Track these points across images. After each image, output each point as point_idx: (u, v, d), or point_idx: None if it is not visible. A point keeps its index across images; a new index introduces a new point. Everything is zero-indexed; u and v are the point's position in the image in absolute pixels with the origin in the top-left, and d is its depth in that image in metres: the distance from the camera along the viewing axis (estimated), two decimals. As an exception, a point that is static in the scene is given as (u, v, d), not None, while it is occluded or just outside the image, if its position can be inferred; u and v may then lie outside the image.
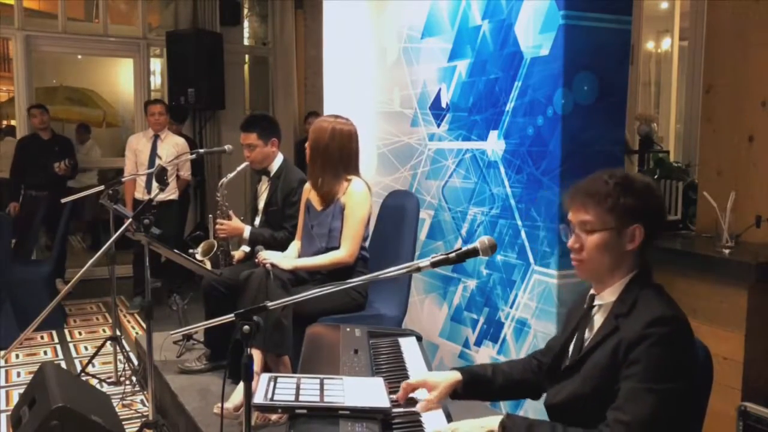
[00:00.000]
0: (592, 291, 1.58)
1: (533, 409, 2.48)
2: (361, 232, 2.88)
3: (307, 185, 3.06)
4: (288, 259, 2.91)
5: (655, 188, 1.53)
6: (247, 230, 3.26)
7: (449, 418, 1.59)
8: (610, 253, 1.49)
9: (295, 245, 3.10)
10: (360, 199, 2.87)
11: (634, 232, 1.47)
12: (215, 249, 3.30)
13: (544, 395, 1.65)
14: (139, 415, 3.41)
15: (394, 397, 1.62)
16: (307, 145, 2.95)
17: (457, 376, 1.68)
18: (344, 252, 2.84)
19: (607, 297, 1.52)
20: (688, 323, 1.42)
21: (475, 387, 1.70)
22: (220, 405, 2.57)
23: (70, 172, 5.69)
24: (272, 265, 2.77)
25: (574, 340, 1.58)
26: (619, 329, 1.44)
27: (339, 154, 2.87)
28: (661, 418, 1.33)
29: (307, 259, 2.89)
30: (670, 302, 1.45)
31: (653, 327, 1.36)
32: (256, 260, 2.87)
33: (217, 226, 3.29)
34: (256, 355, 2.63)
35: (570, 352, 1.58)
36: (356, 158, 2.97)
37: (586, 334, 1.56)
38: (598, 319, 1.54)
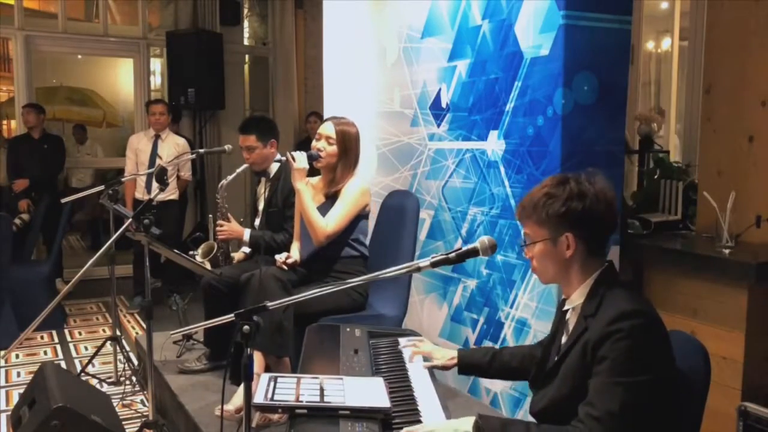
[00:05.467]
0: (563, 296, 1.59)
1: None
2: (346, 219, 2.86)
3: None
4: (304, 180, 2.90)
5: (584, 192, 1.46)
6: (246, 233, 3.26)
7: (448, 415, 1.61)
8: (553, 262, 1.50)
9: (295, 245, 3.10)
10: (356, 188, 2.90)
11: (566, 240, 1.47)
12: (215, 250, 3.30)
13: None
14: (139, 415, 3.41)
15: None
16: (333, 141, 2.92)
17: (454, 360, 1.90)
18: (326, 227, 2.82)
19: (576, 299, 1.53)
20: (656, 316, 1.42)
21: (470, 370, 1.90)
22: (221, 407, 2.57)
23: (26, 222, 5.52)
24: (281, 264, 2.87)
25: (554, 346, 1.60)
26: (588, 329, 1.44)
27: (359, 153, 3.02)
28: (632, 410, 1.33)
29: (312, 204, 2.86)
30: (634, 297, 1.44)
31: (616, 323, 1.37)
32: (285, 157, 2.89)
33: (217, 228, 3.29)
34: (257, 356, 2.64)
35: (550, 359, 1.60)
36: None
37: (563, 339, 1.58)
38: (571, 322, 1.55)
